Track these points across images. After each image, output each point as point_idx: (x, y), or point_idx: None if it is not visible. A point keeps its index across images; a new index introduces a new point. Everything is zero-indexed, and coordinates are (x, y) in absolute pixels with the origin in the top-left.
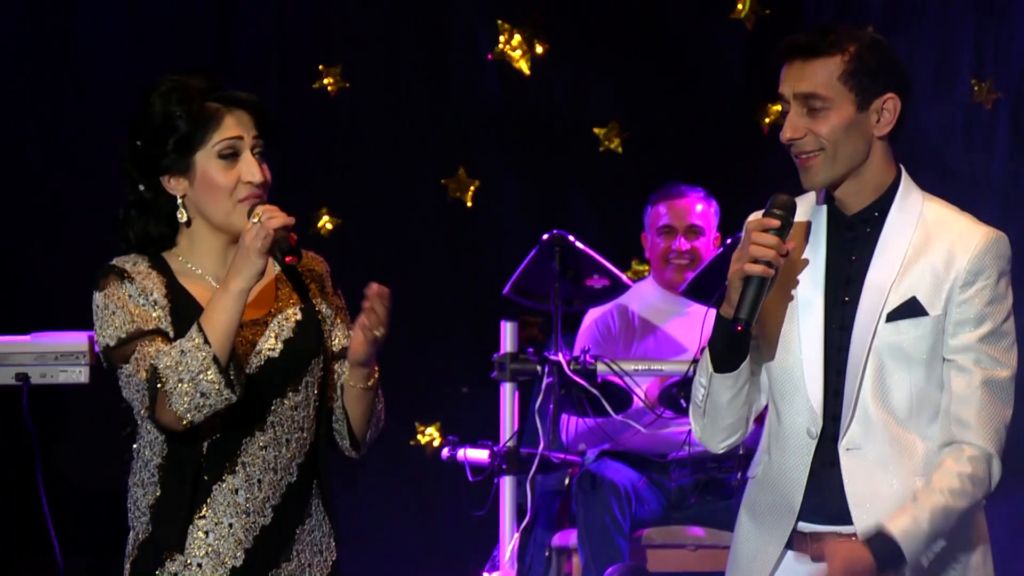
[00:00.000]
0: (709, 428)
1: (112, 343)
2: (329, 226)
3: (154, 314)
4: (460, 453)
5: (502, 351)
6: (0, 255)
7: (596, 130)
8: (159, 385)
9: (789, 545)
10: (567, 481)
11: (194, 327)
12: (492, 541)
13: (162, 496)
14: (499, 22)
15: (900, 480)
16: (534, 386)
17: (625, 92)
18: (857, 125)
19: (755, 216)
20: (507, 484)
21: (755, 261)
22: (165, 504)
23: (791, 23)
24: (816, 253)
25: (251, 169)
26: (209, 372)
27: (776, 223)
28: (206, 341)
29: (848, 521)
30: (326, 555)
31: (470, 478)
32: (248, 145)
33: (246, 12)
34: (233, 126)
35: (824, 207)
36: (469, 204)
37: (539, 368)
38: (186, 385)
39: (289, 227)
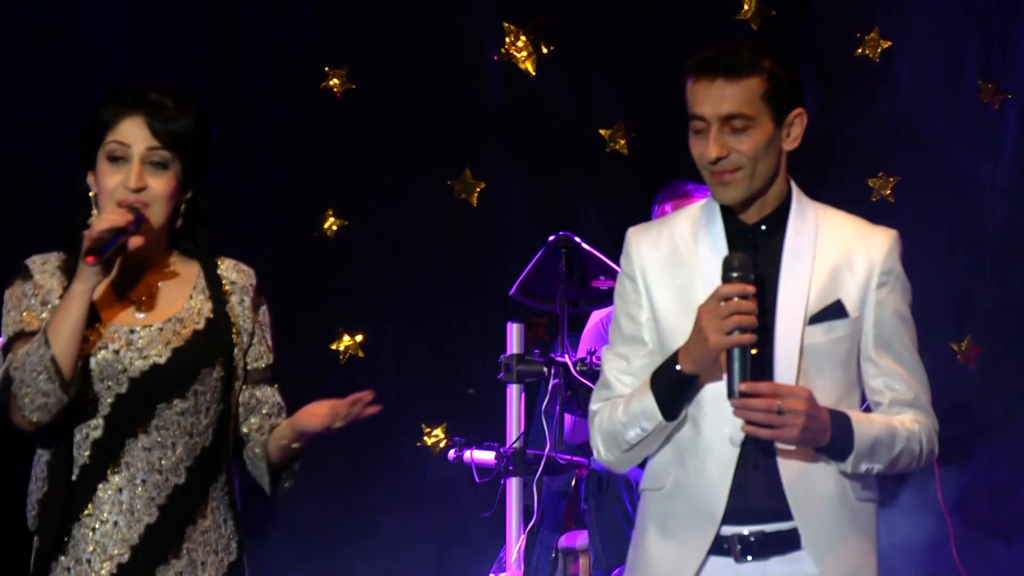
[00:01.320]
0: (628, 460)
1: (3, 342)
2: (335, 227)
3: (42, 316)
4: (466, 454)
5: (508, 352)
6: None
7: (602, 131)
8: (8, 386)
9: (711, 551)
10: (573, 482)
11: (40, 330)
12: (498, 542)
13: (48, 492)
14: (504, 24)
15: (835, 471)
16: (540, 387)
17: (630, 93)
18: (774, 140)
19: (722, 285)
20: (513, 485)
21: (733, 330)
22: (50, 500)
23: (796, 24)
24: (718, 263)
25: (130, 175)
26: (46, 374)
27: (752, 288)
28: (47, 343)
29: (772, 519)
30: (222, 555)
31: (476, 479)
32: (137, 153)
33: (252, 13)
34: (124, 131)
35: (719, 214)
36: (475, 205)
37: (545, 369)
38: (28, 386)
39: (119, 229)
